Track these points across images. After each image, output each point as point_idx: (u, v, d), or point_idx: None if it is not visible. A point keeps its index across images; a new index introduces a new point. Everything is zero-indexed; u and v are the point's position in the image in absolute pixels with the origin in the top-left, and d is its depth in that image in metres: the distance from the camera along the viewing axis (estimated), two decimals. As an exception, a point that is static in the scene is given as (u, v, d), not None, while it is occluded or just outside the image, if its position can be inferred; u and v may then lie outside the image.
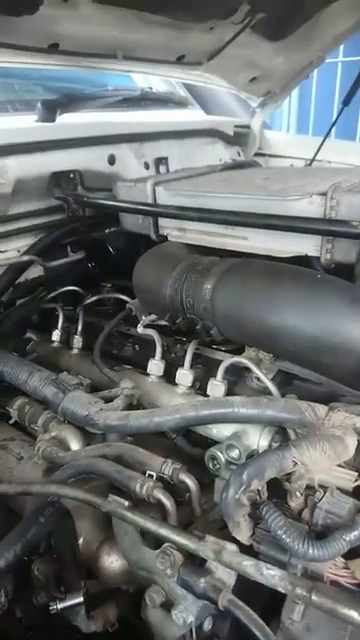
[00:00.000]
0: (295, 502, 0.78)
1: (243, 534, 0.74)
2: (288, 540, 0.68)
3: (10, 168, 1.52)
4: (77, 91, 2.11)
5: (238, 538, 0.75)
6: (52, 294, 1.63)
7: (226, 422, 1.02)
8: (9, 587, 1.04)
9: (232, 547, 0.73)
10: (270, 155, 2.59)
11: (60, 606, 0.93)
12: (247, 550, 0.76)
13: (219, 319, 1.05)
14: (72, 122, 1.86)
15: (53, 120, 1.77)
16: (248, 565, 0.69)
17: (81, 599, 0.94)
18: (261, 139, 2.58)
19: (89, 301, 1.58)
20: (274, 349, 1.03)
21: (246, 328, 1.00)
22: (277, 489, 0.83)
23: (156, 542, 0.87)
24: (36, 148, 1.61)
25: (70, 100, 1.83)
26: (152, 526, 0.81)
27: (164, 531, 0.79)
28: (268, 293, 0.97)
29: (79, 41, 1.59)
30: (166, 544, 0.81)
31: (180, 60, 1.96)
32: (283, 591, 0.67)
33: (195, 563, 0.78)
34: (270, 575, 0.67)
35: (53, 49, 1.54)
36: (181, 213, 1.33)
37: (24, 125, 1.76)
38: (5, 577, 0.99)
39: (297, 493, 0.77)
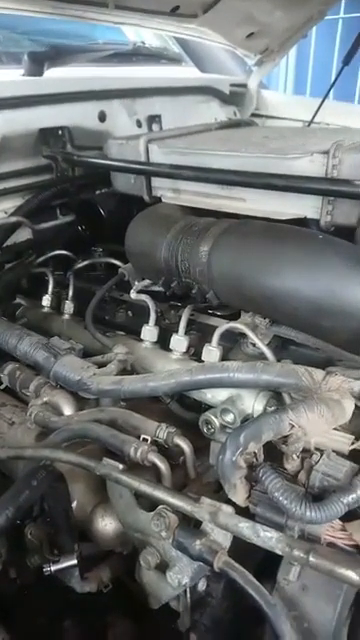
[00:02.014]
0: (291, 465, 0.77)
1: (239, 496, 0.74)
2: (285, 502, 0.68)
3: None
4: (66, 44, 1.99)
5: (234, 500, 0.75)
6: (41, 258, 1.58)
7: (221, 387, 1.01)
8: (3, 549, 1.04)
9: (228, 509, 0.72)
10: (267, 116, 2.50)
11: (54, 568, 0.93)
12: (242, 513, 0.76)
13: (216, 282, 1.02)
14: (60, 76, 1.76)
15: (41, 74, 1.68)
16: (245, 527, 0.68)
17: (75, 561, 0.94)
18: (258, 99, 2.49)
19: (80, 266, 1.53)
20: (273, 313, 1.00)
21: (244, 291, 0.97)
22: (272, 452, 0.82)
23: (150, 505, 0.86)
24: (23, 103, 1.53)
25: (59, 53, 1.74)
26: (147, 488, 0.80)
27: (159, 493, 0.79)
28: (267, 254, 0.93)
29: (68, -14, 1.49)
30: (161, 506, 0.80)
31: (174, 11, 1.85)
32: (280, 553, 0.67)
33: (190, 525, 0.78)
34: (267, 537, 0.66)
35: (42, -6, 1.44)
36: (176, 172, 1.27)
37: (10, 79, 1.66)
38: (-1, 540, 1.00)
39: (293, 456, 0.76)
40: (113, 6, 1.65)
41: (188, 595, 0.86)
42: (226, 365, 0.97)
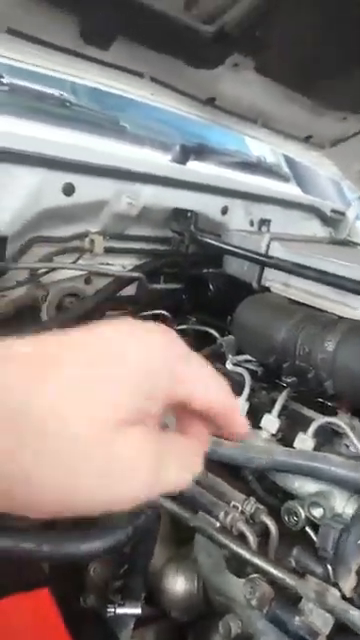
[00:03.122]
0: None
1: (349, 583, 0.73)
2: None
3: (142, 194, 1.66)
4: (206, 144, 2.29)
5: (342, 586, 0.74)
6: (144, 313, 1.70)
7: (317, 478, 1.02)
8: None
9: (336, 592, 0.72)
10: (357, 244, 2.70)
11: (119, 611, 0.91)
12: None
13: (337, 373, 1.07)
14: (199, 170, 2.02)
15: (184, 163, 1.93)
16: (355, 615, 0.67)
17: (139, 611, 0.91)
18: (351, 227, 2.72)
19: (181, 327, 1.64)
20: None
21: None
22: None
23: (237, 570, 0.85)
24: (167, 183, 1.75)
25: (202, 150, 2.00)
26: (246, 554, 0.81)
27: (259, 561, 0.79)
28: None
29: (233, 101, 1.76)
30: (255, 575, 0.79)
31: (307, 140, 2.12)
32: (392, 651, 0.65)
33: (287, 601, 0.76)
34: (380, 631, 0.65)
35: (210, 102, 1.71)
36: (299, 270, 1.40)
37: (160, 162, 1.92)
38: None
39: None
40: (261, 124, 1.92)
41: None
42: (328, 457, 1.00)
